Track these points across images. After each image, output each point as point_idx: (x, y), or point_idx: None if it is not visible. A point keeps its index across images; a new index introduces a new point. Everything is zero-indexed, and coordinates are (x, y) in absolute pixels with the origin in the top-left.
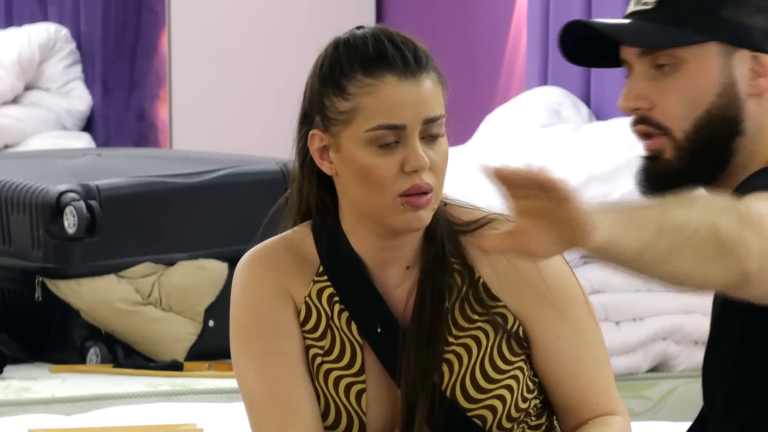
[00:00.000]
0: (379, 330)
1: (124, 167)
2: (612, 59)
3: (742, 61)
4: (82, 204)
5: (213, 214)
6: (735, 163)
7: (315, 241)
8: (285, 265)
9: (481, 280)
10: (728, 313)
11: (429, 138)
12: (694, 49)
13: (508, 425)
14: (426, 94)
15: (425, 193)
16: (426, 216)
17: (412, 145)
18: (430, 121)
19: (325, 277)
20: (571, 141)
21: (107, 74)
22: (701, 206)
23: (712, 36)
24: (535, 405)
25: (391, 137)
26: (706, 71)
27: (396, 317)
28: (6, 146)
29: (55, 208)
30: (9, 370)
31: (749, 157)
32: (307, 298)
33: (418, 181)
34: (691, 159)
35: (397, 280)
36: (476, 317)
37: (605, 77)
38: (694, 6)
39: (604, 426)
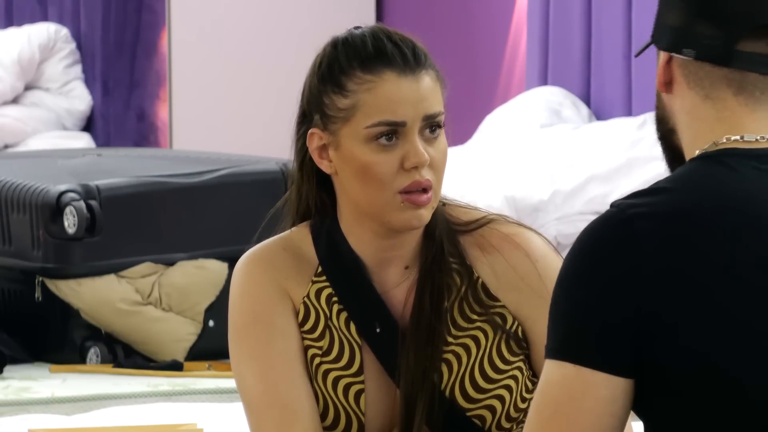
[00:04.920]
0: (378, 330)
1: (124, 167)
2: None
3: (662, 61)
4: (82, 204)
5: (213, 214)
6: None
7: (314, 241)
8: (283, 265)
9: (480, 280)
10: None
11: (428, 135)
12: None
13: (507, 425)
14: (425, 90)
15: (425, 190)
16: (426, 214)
17: (412, 141)
18: (429, 118)
19: (324, 277)
20: (571, 141)
21: (107, 74)
22: None
23: (655, 42)
24: None
25: (390, 134)
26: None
27: (395, 317)
28: (6, 146)
29: (55, 208)
30: (9, 370)
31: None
32: (306, 299)
33: (418, 177)
34: (666, 156)
35: (396, 280)
36: (475, 317)
37: (605, 77)
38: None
39: None
